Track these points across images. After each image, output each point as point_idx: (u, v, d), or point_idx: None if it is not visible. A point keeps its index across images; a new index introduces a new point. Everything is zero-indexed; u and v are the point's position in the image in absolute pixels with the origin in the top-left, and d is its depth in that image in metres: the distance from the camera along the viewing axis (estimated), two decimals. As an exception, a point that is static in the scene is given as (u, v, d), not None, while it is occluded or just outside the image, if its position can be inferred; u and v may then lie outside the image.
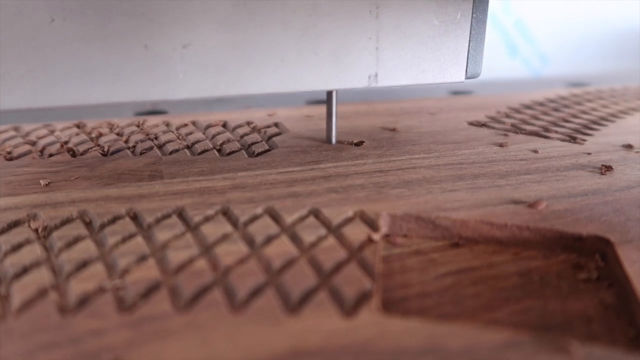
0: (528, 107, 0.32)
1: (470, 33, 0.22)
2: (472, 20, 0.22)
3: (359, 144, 0.25)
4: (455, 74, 0.22)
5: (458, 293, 0.15)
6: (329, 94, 0.24)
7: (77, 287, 0.14)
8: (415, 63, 0.21)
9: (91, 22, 0.17)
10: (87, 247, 0.16)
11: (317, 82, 0.21)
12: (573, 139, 0.25)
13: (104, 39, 0.17)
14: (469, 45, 0.22)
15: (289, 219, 0.18)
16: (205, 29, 0.18)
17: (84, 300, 0.14)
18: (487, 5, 0.22)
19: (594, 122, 0.29)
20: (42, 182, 0.20)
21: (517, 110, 0.31)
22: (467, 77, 0.23)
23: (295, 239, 0.17)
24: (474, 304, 0.15)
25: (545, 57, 0.51)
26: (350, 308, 0.14)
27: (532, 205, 0.19)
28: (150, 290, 0.14)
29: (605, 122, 0.29)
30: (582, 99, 0.34)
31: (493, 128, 0.27)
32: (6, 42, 0.16)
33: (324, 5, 0.19)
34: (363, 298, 0.14)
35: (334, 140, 0.24)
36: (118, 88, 0.18)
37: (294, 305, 0.14)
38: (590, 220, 0.18)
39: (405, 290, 0.15)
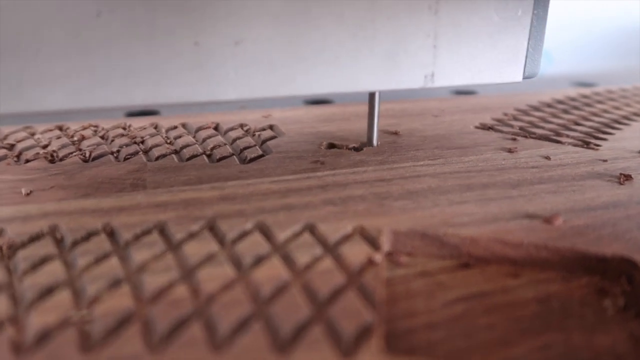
0: (536, 108, 0.30)
1: (530, 30, 0.20)
2: (532, 17, 0.20)
3: (358, 149, 0.23)
4: (512, 74, 0.21)
5: (470, 324, 0.13)
6: (371, 95, 0.22)
7: (37, 320, 0.12)
8: (472, 62, 0.20)
9: (139, 17, 0.15)
10: (54, 270, 0.14)
11: (372, 82, 0.19)
12: (586, 144, 0.23)
13: (152, 35, 0.16)
14: (528, 43, 0.20)
15: (281, 235, 0.16)
16: (258, 24, 0.17)
17: (44, 337, 0.12)
18: (548, 1, 0.20)
19: (607, 126, 0.27)
20: (23, 190, 0.18)
21: (525, 112, 0.29)
22: (524, 77, 0.21)
23: (287, 260, 0.15)
24: (487, 337, 0.13)
25: (549, 55, 0.49)
26: (349, 347, 0.12)
27: (548, 220, 0.17)
28: (121, 324, 0.12)
29: (619, 126, 0.27)
30: (592, 100, 0.32)
31: (500, 132, 0.25)
32: (49, 38, 0.15)
33: (382, 0, 0.17)
34: (363, 334, 0.12)
35: (375, 142, 0.23)
36: (165, 88, 0.16)
37: (284, 343, 0.12)
38: (614, 238, 0.16)
39: (411, 320, 0.13)
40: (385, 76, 0.19)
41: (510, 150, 0.23)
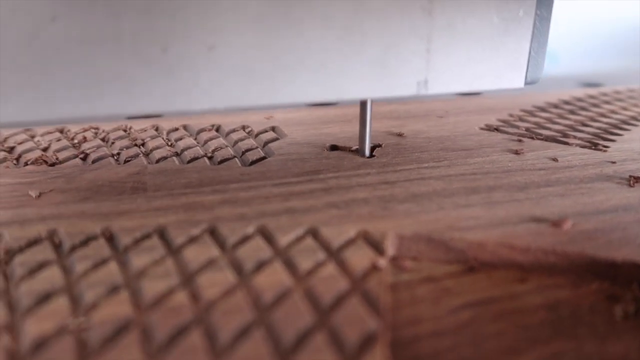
0: (542, 109, 0.29)
1: (533, 33, 0.19)
2: (535, 18, 0.19)
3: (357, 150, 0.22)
4: (513, 79, 0.19)
5: (477, 331, 0.13)
6: (363, 102, 0.21)
7: (34, 328, 0.12)
8: (469, 67, 0.18)
9: (101, 20, 0.14)
10: (51, 276, 0.14)
11: (361, 89, 0.17)
12: (594, 146, 0.23)
13: (116, 40, 0.14)
14: (530, 47, 0.19)
15: (283, 239, 0.15)
16: (234, 28, 0.15)
17: (40, 345, 0.11)
18: (552, 1, 0.19)
19: (615, 127, 0.26)
20: (32, 193, 0.18)
21: (531, 113, 0.28)
22: (526, 83, 0.20)
23: (289, 265, 0.14)
24: (496, 346, 0.12)
25: (555, 55, 0.49)
26: (352, 355, 0.11)
27: (556, 223, 0.16)
28: (119, 332, 0.12)
29: (627, 127, 0.26)
30: (599, 100, 0.31)
31: (506, 133, 0.25)
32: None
33: (372, 1, 0.16)
34: (368, 342, 0.12)
35: (367, 152, 0.22)
36: (132, 98, 0.15)
37: (286, 351, 0.11)
38: (624, 242, 0.15)
39: (417, 327, 0.13)
40: (374, 83, 0.18)
41: (516, 152, 0.22)
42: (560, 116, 0.28)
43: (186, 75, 0.15)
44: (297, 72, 0.17)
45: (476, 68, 0.19)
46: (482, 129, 0.25)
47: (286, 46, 0.16)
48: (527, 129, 0.25)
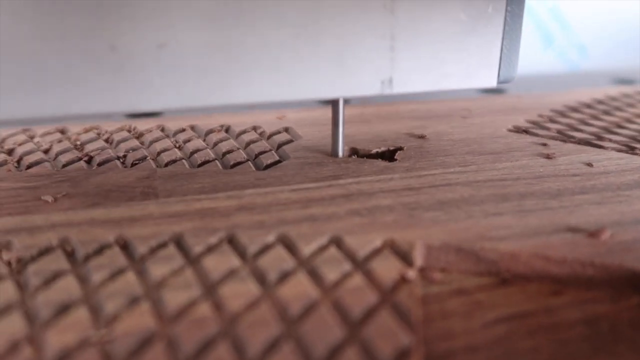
0: (573, 109, 0.30)
1: (504, 30, 0.20)
2: (506, 15, 0.20)
3: (384, 154, 0.23)
4: (485, 78, 0.21)
5: (512, 347, 0.14)
6: (334, 101, 0.22)
7: (56, 339, 0.13)
8: (437, 65, 0.20)
9: (46, 18, 0.15)
10: (68, 286, 0.14)
11: (320, 88, 0.19)
12: (632, 150, 0.24)
13: (62, 38, 0.15)
14: (502, 44, 0.20)
15: (306, 249, 0.16)
16: (184, 25, 0.16)
17: (64, 358, 0.12)
18: None
19: (653, 129, 0.27)
20: (48, 198, 0.18)
21: (562, 113, 0.29)
22: (499, 82, 0.21)
23: (314, 275, 0.15)
24: (532, 362, 0.13)
25: (584, 49, 0.49)
26: (385, 370, 0.12)
27: (593, 234, 0.17)
28: (144, 344, 0.13)
29: (665, 129, 0.27)
30: (635, 99, 0.32)
31: (536, 135, 0.26)
32: None
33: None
34: (401, 356, 0.12)
35: (340, 154, 0.23)
36: (78, 97, 0.16)
37: (317, 366, 0.12)
38: (665, 254, 0.16)
39: (449, 342, 0.14)
40: (335, 82, 0.18)
41: (547, 156, 0.23)
42: (594, 117, 0.29)
43: (135, 74, 0.16)
44: (251, 70, 0.17)
45: (444, 66, 0.20)
46: (509, 130, 0.26)
47: (239, 44, 0.17)
48: (559, 131, 0.26)
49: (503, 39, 0.20)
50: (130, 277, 0.15)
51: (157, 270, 0.15)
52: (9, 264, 0.15)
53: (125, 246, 0.16)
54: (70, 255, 0.16)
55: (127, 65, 0.16)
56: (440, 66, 0.20)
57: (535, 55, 0.48)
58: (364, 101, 0.30)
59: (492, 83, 0.21)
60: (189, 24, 0.16)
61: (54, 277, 0.15)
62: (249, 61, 0.17)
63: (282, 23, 0.17)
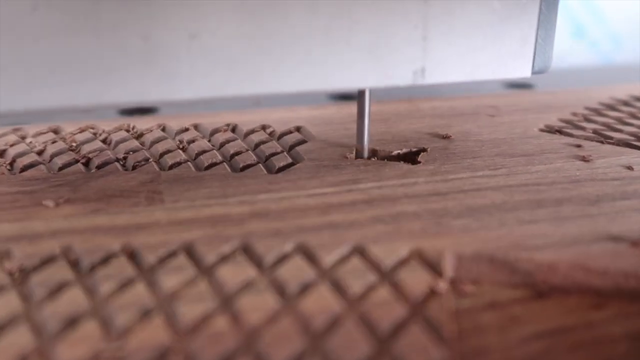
0: (610, 107, 0.30)
1: (539, 19, 0.21)
2: (541, 3, 0.21)
3: (404, 157, 0.24)
4: (519, 69, 0.22)
5: (552, 364, 0.14)
6: (361, 92, 0.23)
7: (67, 354, 0.13)
8: (470, 55, 0.21)
9: (80, 10, 0.17)
10: (75, 297, 0.15)
11: (351, 79, 0.20)
12: (675, 152, 0.24)
13: (96, 30, 0.17)
14: (536, 34, 0.21)
15: (327, 259, 0.17)
16: (216, 15, 0.18)
17: (76, 373, 0.13)
18: None
19: (697, 128, 0.27)
20: (50, 203, 0.19)
21: (598, 112, 0.30)
22: (534, 72, 0.22)
23: (338, 287, 0.16)
24: (574, 380, 0.14)
25: (619, 39, 0.50)
26: (418, 388, 0.13)
27: (637, 243, 0.17)
28: (160, 359, 0.13)
29: None
30: (677, 96, 0.32)
31: (570, 135, 0.26)
32: None
33: None
34: (435, 374, 0.13)
35: (366, 153, 0.24)
36: (111, 87, 0.18)
37: (346, 383, 0.13)
38: None
39: (485, 358, 0.14)
40: (366, 72, 0.20)
41: (584, 159, 0.23)
42: (633, 115, 0.29)
43: (167, 65, 0.18)
44: (282, 60, 0.19)
45: (478, 56, 0.21)
46: (541, 130, 0.27)
47: (270, 33, 0.18)
48: (595, 131, 0.27)
49: (538, 28, 0.21)
50: (140, 288, 0.15)
51: (169, 281, 0.16)
52: (10, 274, 0.16)
53: (132, 255, 0.17)
54: (75, 264, 0.16)
55: (159, 56, 0.18)
56: (474, 56, 0.21)
57: (565, 47, 0.49)
58: (382, 98, 0.31)
59: (527, 73, 0.22)
60: (221, 15, 0.18)
61: (59, 288, 0.15)
62: (279, 51, 0.19)
63: (314, 12, 0.18)
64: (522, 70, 0.22)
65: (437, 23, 0.20)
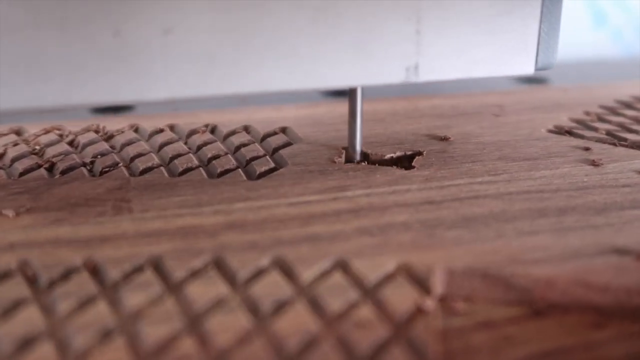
0: (627, 105, 0.31)
1: (542, 11, 0.21)
2: None
3: (397, 161, 0.24)
4: (521, 65, 0.22)
5: (546, 389, 0.14)
6: (352, 90, 0.23)
7: (17, 379, 0.14)
8: (468, 51, 0.21)
9: (45, 2, 0.17)
10: (30, 317, 0.15)
11: (339, 76, 0.20)
12: (694, 155, 0.25)
13: (61, 24, 0.17)
14: (540, 27, 0.22)
15: (306, 274, 0.17)
16: (193, 8, 0.18)
17: (28, 400, 0.13)
18: None
19: None
20: (9, 213, 0.19)
21: (613, 110, 0.30)
22: (537, 69, 0.22)
23: (316, 306, 0.16)
24: (569, 407, 0.14)
25: (620, 34, 0.50)
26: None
27: (644, 257, 0.18)
28: (119, 385, 0.13)
29: None
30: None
31: (581, 137, 0.26)
32: None
33: None
34: (415, 400, 0.13)
35: (358, 156, 0.24)
36: (79, 87, 0.18)
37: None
38: None
39: (472, 383, 0.14)
40: (355, 69, 0.20)
41: (594, 163, 0.24)
42: (651, 115, 0.29)
43: (140, 62, 0.18)
44: (265, 56, 0.19)
45: (476, 52, 0.21)
46: (550, 131, 0.27)
47: (252, 27, 0.19)
48: (608, 132, 0.27)
49: (541, 20, 0.22)
50: (102, 307, 0.16)
51: (133, 299, 0.16)
52: (-39, 291, 0.16)
53: (95, 270, 0.17)
54: (32, 281, 0.17)
55: (131, 53, 0.18)
56: (472, 51, 0.21)
57: (585, 36, 0.49)
58: (377, 96, 0.31)
59: (529, 70, 0.22)
60: (198, 7, 0.18)
61: (14, 307, 0.16)
62: (262, 47, 0.19)
63: (299, 4, 0.19)
64: (524, 67, 0.22)
65: (431, 16, 0.20)
